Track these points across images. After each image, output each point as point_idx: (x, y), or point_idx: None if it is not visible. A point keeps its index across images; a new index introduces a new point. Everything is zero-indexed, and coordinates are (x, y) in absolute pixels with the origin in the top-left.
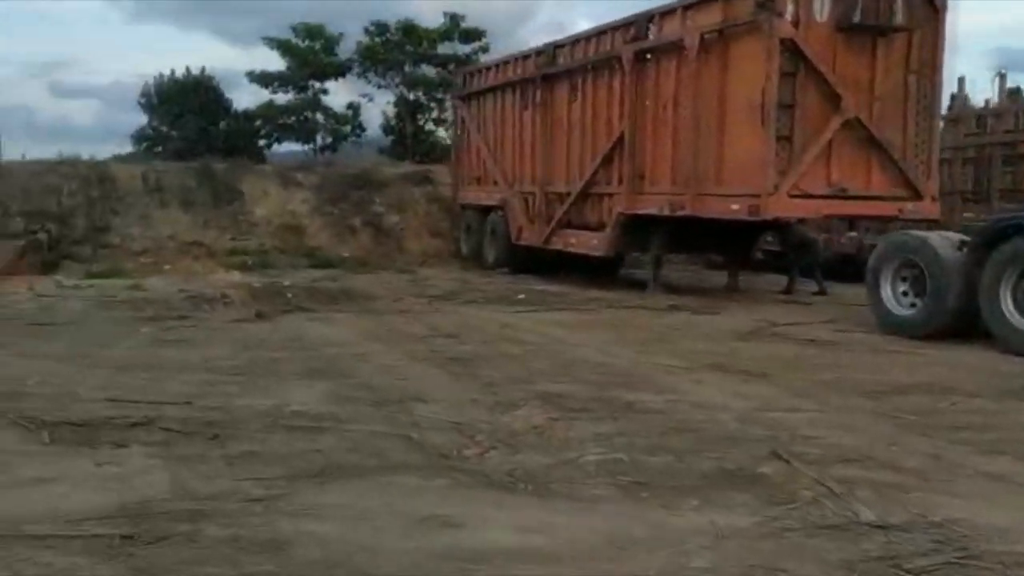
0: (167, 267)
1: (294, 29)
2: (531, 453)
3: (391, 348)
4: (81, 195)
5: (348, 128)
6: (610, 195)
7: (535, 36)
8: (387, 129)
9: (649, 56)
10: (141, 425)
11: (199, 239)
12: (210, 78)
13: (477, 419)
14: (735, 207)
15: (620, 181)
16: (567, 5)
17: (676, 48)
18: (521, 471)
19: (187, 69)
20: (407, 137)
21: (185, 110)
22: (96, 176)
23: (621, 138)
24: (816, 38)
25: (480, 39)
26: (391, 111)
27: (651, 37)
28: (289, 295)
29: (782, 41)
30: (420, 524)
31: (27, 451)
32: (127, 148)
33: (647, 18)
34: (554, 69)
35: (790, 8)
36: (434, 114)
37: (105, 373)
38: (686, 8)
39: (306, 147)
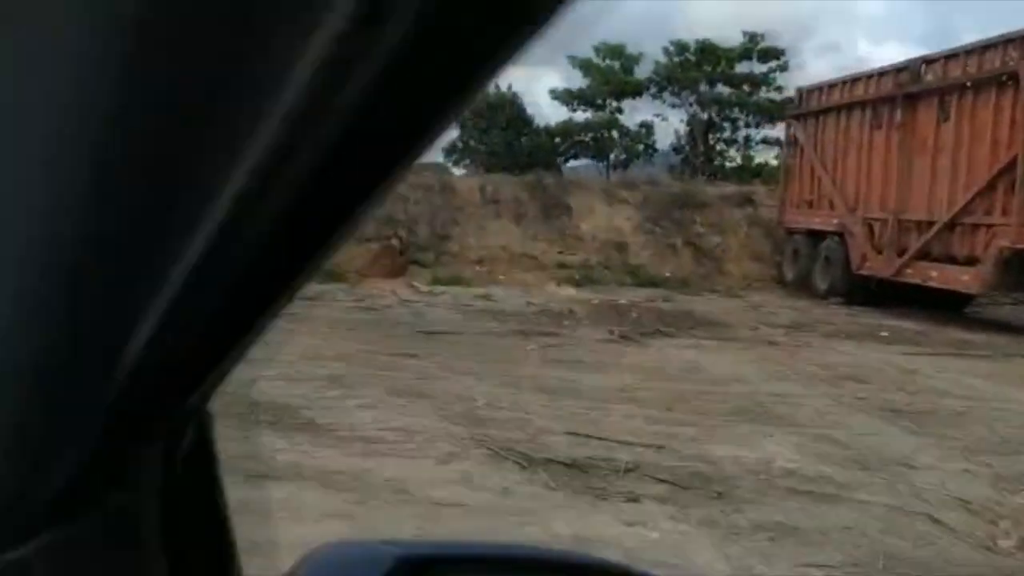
0: (501, 277)
1: (596, 49)
2: None
3: (806, 390)
4: (425, 203)
5: (641, 146)
6: (989, 226)
7: (813, 56)
8: (678, 148)
9: None
10: (629, 471)
11: (529, 251)
12: (515, 95)
13: (983, 496)
14: None
15: (1004, 211)
16: (846, 26)
17: None
18: None
19: (496, 86)
20: (698, 156)
21: (491, 125)
22: (439, 185)
23: (1012, 163)
24: None
25: (778, 58)
26: (683, 130)
27: None
28: (633, 314)
29: None
30: None
31: (538, 495)
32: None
33: None
34: (919, 87)
35: None
36: (726, 134)
37: (534, 397)
38: None
39: (599, 164)
